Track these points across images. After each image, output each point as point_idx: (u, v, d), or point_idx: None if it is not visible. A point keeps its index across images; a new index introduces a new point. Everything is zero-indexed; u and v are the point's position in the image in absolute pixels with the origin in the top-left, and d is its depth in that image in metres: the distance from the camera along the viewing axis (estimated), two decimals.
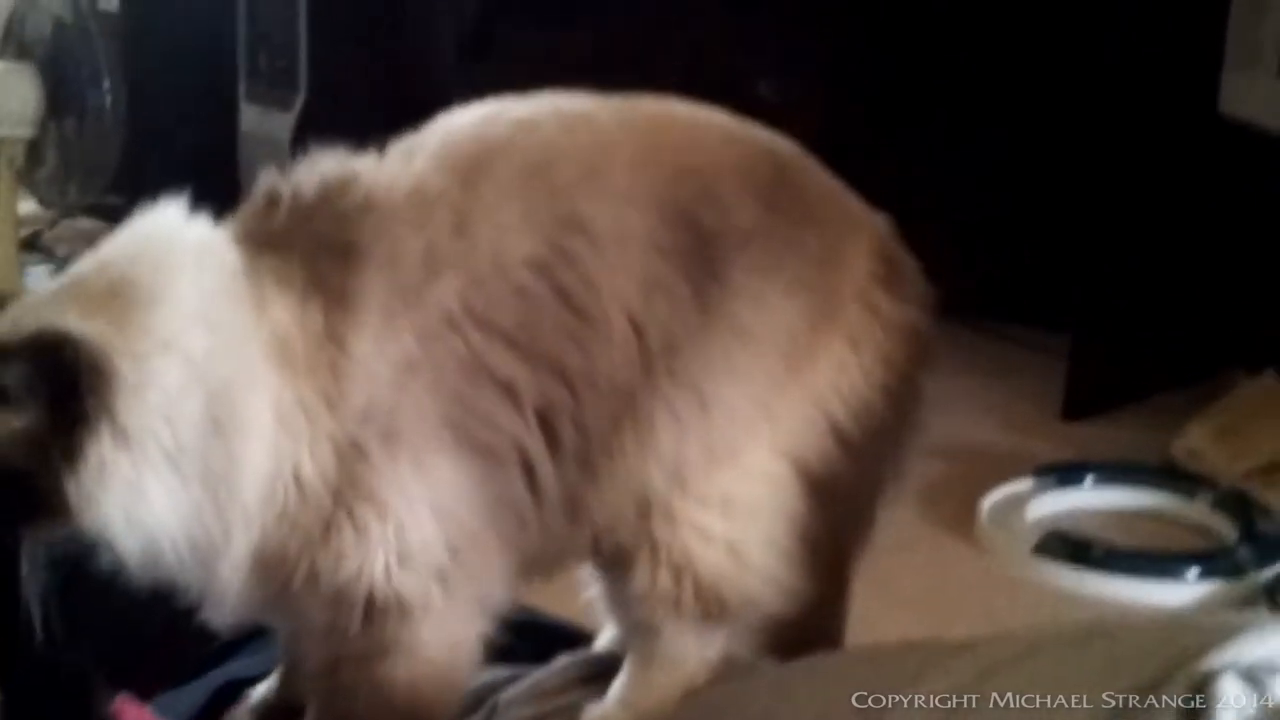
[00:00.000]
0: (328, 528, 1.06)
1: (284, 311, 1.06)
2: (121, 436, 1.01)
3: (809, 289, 1.17)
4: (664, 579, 1.16)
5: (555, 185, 1.10)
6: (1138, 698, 0.91)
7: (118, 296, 1.04)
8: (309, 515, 1.06)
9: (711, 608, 1.16)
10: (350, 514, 1.06)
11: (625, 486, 1.13)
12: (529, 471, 1.10)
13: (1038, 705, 0.95)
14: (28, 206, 3.72)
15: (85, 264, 1.09)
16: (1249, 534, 2.42)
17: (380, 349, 1.06)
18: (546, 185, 1.10)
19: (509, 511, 1.11)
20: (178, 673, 1.43)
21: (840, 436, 1.18)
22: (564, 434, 1.10)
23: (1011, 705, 0.96)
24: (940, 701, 0.98)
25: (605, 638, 1.32)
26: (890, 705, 0.99)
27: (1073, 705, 0.94)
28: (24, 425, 1.02)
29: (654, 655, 1.18)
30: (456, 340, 1.07)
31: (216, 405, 1.03)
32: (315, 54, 3.54)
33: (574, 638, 1.34)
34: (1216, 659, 0.93)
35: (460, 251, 1.07)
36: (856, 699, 1.04)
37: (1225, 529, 2.48)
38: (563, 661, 1.28)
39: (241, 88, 3.69)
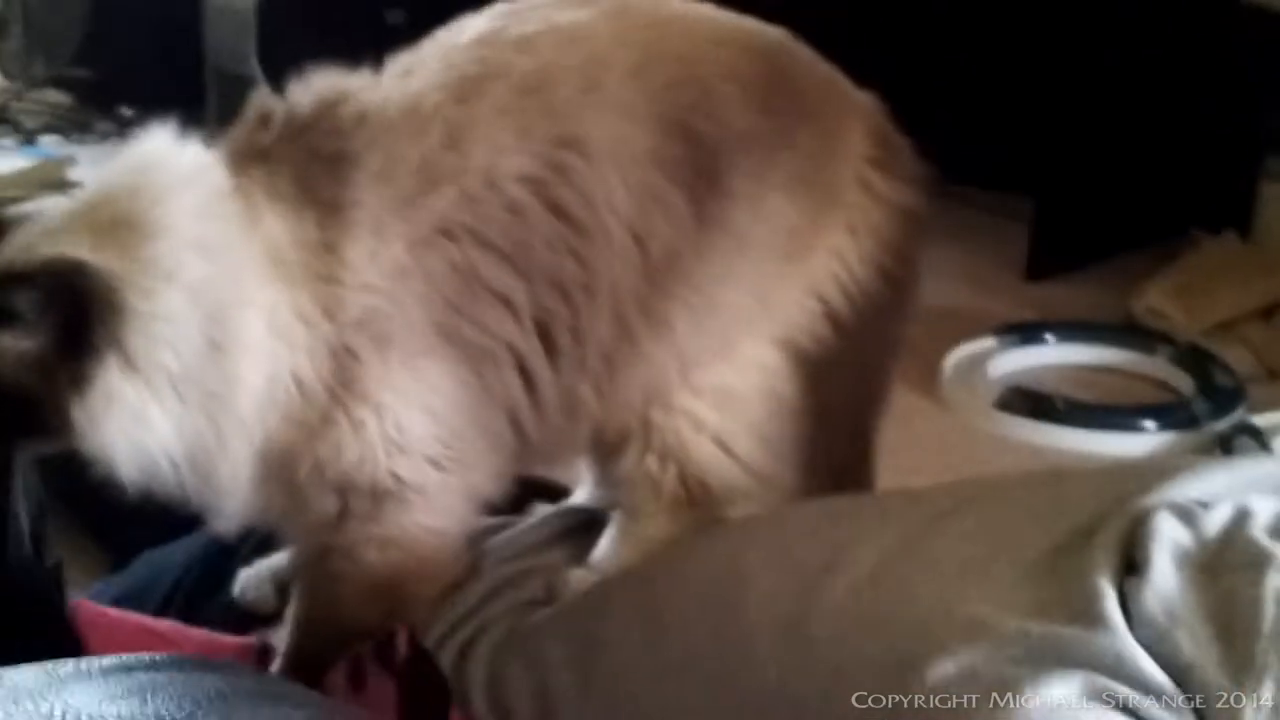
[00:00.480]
0: (326, 423, 1.10)
1: (277, 223, 1.08)
2: (129, 367, 1.04)
3: (807, 186, 1.19)
4: (651, 462, 1.20)
5: (551, 104, 1.11)
6: (1079, 537, 0.95)
7: (121, 229, 1.06)
8: (310, 413, 1.10)
9: (695, 493, 1.21)
10: (347, 412, 1.10)
11: (635, 384, 1.17)
12: (525, 374, 1.13)
13: (983, 546, 0.99)
14: None
15: (87, 194, 1.12)
16: (1205, 388, 2.48)
17: (373, 257, 1.09)
18: (542, 104, 1.11)
19: (503, 412, 1.14)
20: (162, 529, 1.47)
21: (835, 320, 1.21)
22: (561, 341, 1.13)
23: (953, 552, 1.00)
24: (893, 544, 1.02)
25: (582, 493, 1.36)
26: (848, 549, 1.04)
27: (1018, 544, 0.98)
28: (32, 348, 1.05)
29: (631, 533, 1.23)
30: (451, 249, 1.09)
31: (213, 327, 1.06)
32: None
33: (550, 490, 1.38)
34: (1153, 497, 0.97)
35: (453, 166, 1.09)
36: (811, 545, 1.08)
37: (1183, 383, 2.53)
38: (542, 513, 1.32)
39: None
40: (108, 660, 0.88)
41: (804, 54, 1.23)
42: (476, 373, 1.12)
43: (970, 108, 3.07)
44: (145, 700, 0.81)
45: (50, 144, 3.64)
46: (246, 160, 1.11)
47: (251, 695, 0.89)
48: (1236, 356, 2.59)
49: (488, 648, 1.17)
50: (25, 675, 0.87)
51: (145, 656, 0.92)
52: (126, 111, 3.75)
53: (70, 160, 3.42)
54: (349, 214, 1.08)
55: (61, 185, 3.20)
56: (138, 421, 1.05)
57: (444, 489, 1.14)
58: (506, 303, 1.11)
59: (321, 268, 1.08)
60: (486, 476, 1.17)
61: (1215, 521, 0.93)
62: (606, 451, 1.23)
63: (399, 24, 3.23)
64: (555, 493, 1.39)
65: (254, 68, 3.47)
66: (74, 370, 1.04)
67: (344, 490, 1.13)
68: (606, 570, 1.22)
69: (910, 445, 2.10)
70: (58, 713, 0.79)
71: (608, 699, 1.08)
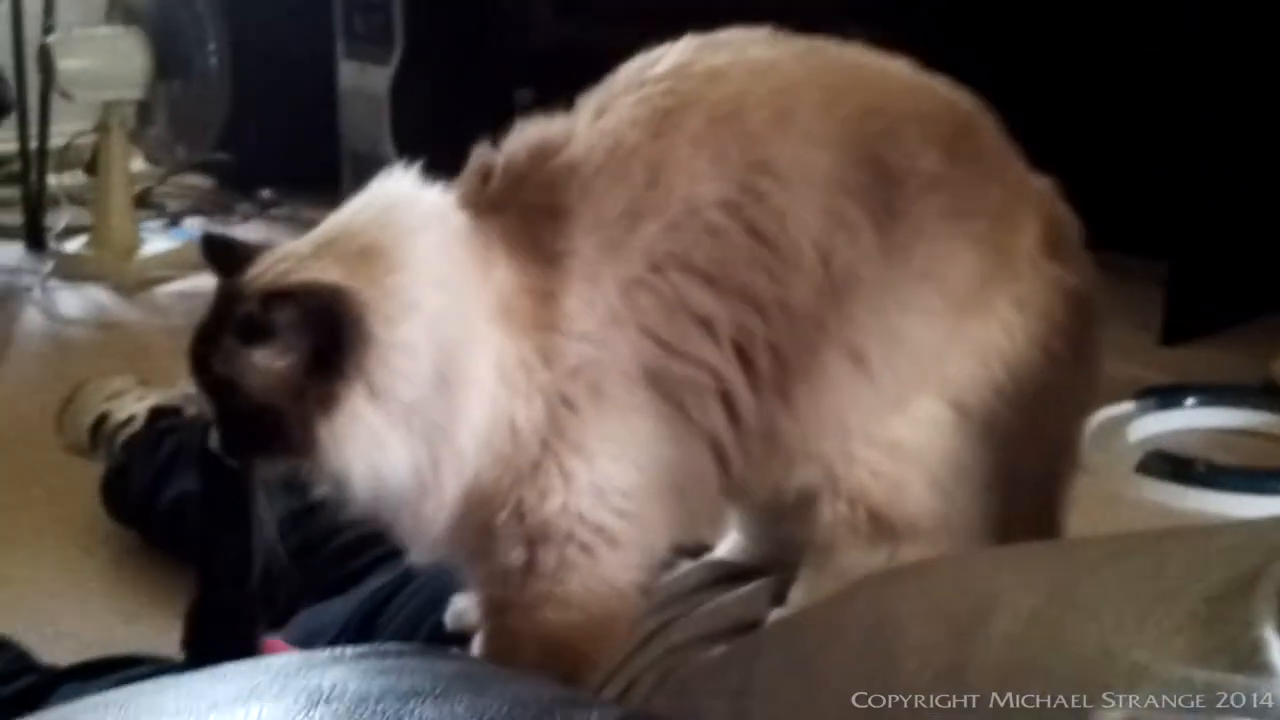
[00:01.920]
0: (535, 469, 1.14)
1: (506, 272, 1.12)
2: (371, 393, 1.09)
3: (986, 242, 1.20)
4: (842, 508, 1.22)
5: (743, 132, 1.15)
6: (1238, 587, 0.94)
7: (369, 260, 1.11)
8: (520, 458, 1.13)
9: (883, 528, 1.22)
10: (558, 460, 1.14)
11: (823, 412, 1.19)
12: (728, 402, 1.16)
13: (1137, 595, 0.99)
14: (138, 164, 3.83)
15: (333, 225, 1.16)
16: None
17: (588, 304, 1.13)
18: (735, 132, 1.14)
19: (707, 446, 1.17)
20: (314, 592, 1.51)
21: (1003, 395, 1.21)
22: (760, 361, 1.15)
23: (1108, 600, 1.00)
24: (1045, 594, 1.02)
25: (726, 546, 1.37)
26: (999, 598, 1.04)
27: (1173, 593, 0.97)
28: (285, 366, 1.09)
29: (829, 567, 1.24)
30: (657, 282, 1.13)
31: (444, 361, 1.10)
32: (409, 9, 3.60)
33: (690, 549, 1.40)
34: None
35: (656, 201, 1.13)
36: (961, 595, 1.08)
37: None
38: (686, 567, 1.34)
39: (339, 46, 3.76)
40: (357, 649, 0.93)
41: (991, 121, 1.24)
42: (681, 410, 1.15)
43: (1104, 172, 3.06)
44: (401, 677, 0.86)
45: (193, 226, 3.76)
46: (478, 210, 1.15)
47: (492, 674, 0.93)
48: None
49: (639, 699, 1.18)
50: (286, 660, 0.93)
51: (388, 645, 0.98)
52: (265, 194, 3.87)
53: None
54: (566, 263, 1.12)
55: (204, 266, 3.30)
56: (376, 445, 1.10)
57: (634, 543, 1.18)
58: (708, 325, 1.14)
59: (543, 316, 1.12)
60: (664, 535, 1.21)
61: None
62: (797, 504, 1.24)
63: (527, 104, 3.30)
64: (697, 551, 1.41)
65: (388, 149, 3.56)
66: (323, 391, 1.09)
67: (535, 541, 1.16)
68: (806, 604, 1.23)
69: None
70: (326, 685, 0.84)
71: None
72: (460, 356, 1.11)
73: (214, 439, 1.16)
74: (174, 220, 3.81)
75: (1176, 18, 2.93)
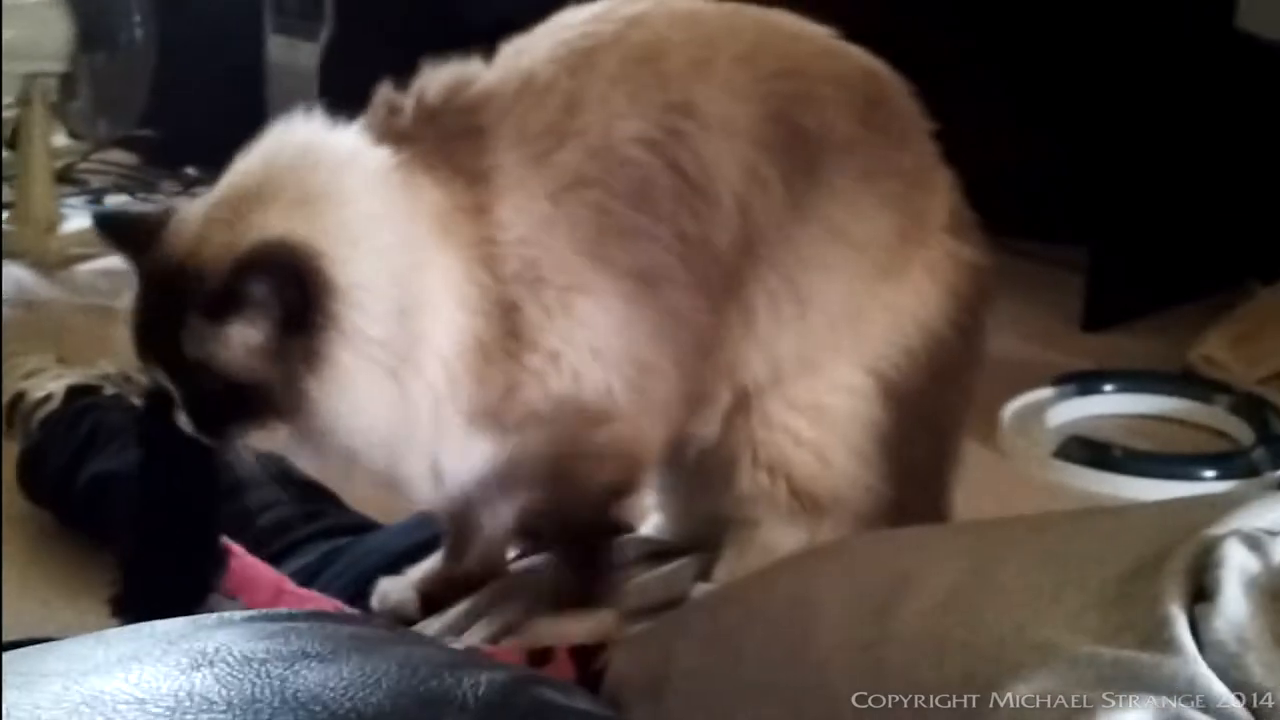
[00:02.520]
0: (511, 380, 1.15)
1: (435, 195, 1.13)
2: (345, 339, 1.09)
3: (902, 205, 1.22)
4: (762, 478, 1.23)
5: (662, 74, 1.16)
6: (1147, 565, 0.96)
7: (305, 206, 1.10)
8: (495, 373, 1.14)
9: (805, 503, 1.23)
10: (525, 366, 1.15)
11: (728, 364, 1.20)
12: (676, 287, 1.17)
13: (1051, 573, 1.00)
14: (60, 140, 3.77)
15: (246, 178, 1.13)
16: (1264, 437, 2.47)
17: (519, 212, 1.13)
18: (653, 74, 1.16)
19: (673, 321, 1.18)
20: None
21: (915, 360, 1.23)
22: (678, 294, 1.18)
23: (1021, 579, 1.01)
24: (962, 572, 1.04)
25: (650, 524, 1.38)
26: (916, 576, 1.05)
27: (1086, 572, 0.99)
28: (261, 334, 1.08)
29: (752, 543, 1.25)
30: (587, 194, 1.14)
31: (400, 293, 1.10)
32: None
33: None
34: (1222, 526, 0.98)
35: (575, 127, 1.14)
36: (879, 573, 1.10)
37: (1241, 432, 2.53)
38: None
39: (267, 20, 3.72)
40: (249, 612, 0.92)
41: (906, 93, 1.26)
42: (636, 290, 1.16)
43: (1025, 162, 3.09)
44: (289, 639, 0.84)
45: (117, 203, 3.71)
46: (394, 142, 1.15)
47: (385, 639, 0.92)
48: None
49: None
50: (172, 624, 0.91)
51: (284, 610, 0.97)
52: (191, 171, 3.82)
53: None
54: (492, 178, 1.13)
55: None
56: (361, 392, 1.09)
57: (637, 405, 1.19)
58: (644, 234, 1.15)
59: (480, 230, 1.13)
60: (673, 391, 1.21)
61: None
62: (714, 471, 1.25)
63: None
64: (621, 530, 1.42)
65: None
66: (302, 348, 1.08)
67: (550, 425, 1.18)
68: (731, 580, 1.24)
69: (969, 493, 2.10)
70: (210, 649, 0.82)
71: None
72: (413, 284, 1.11)
73: (183, 422, 1.13)
74: (96, 197, 3.76)
75: (1093, 6, 2.96)
